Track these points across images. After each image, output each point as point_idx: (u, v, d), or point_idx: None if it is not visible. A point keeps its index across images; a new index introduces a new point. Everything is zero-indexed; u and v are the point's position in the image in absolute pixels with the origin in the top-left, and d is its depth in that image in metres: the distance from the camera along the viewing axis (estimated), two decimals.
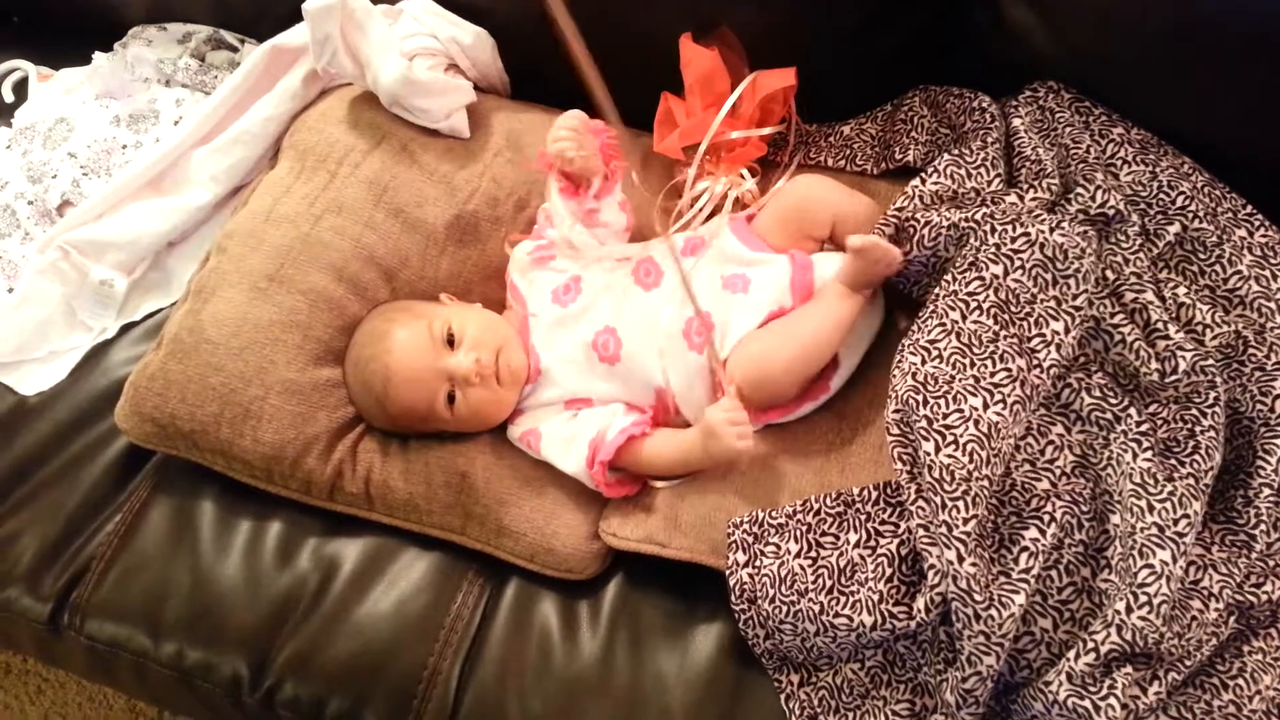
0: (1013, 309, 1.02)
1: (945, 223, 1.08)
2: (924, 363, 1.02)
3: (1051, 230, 1.03)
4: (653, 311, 1.13)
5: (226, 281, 1.18)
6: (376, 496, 1.14)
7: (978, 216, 1.07)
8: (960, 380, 0.99)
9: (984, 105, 1.20)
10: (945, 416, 0.97)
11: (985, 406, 0.97)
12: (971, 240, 1.06)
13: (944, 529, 0.93)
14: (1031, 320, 1.02)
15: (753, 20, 1.24)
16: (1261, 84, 1.09)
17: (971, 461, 0.95)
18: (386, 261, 1.21)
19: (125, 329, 1.30)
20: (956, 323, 1.03)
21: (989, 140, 1.16)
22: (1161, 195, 1.12)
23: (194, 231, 1.36)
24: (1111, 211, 1.09)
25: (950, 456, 0.95)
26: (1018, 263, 1.02)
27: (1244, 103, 1.12)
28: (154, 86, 1.45)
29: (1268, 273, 1.07)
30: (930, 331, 1.03)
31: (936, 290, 1.06)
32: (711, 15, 1.24)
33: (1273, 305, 1.06)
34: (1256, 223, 1.10)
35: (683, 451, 1.09)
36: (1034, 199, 1.10)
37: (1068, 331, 1.01)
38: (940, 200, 1.12)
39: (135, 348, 1.28)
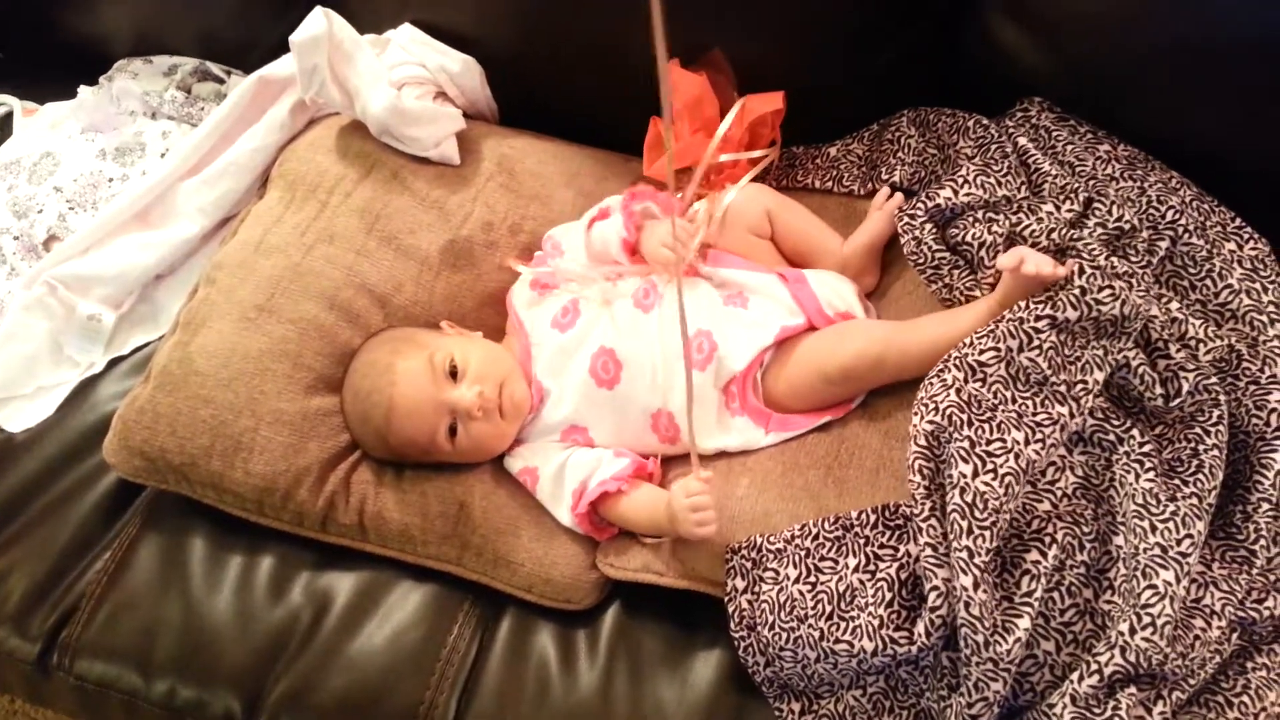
0: (1066, 351, 1.01)
1: (999, 238, 1.09)
2: (968, 380, 1.01)
3: (1130, 289, 1.02)
4: (651, 333, 1.12)
5: (216, 312, 1.18)
6: (370, 527, 1.13)
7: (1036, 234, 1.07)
8: (1004, 410, 0.99)
9: (983, 123, 1.20)
10: (989, 443, 0.97)
11: (1026, 443, 0.97)
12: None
13: (965, 554, 0.92)
14: (1079, 366, 1.01)
15: (745, 44, 1.25)
16: (1250, 97, 1.10)
17: (1006, 494, 0.94)
18: (380, 289, 1.20)
19: (113, 363, 1.29)
20: (1011, 351, 1.01)
21: (1006, 153, 1.16)
22: (1151, 210, 1.12)
23: (182, 264, 1.35)
24: (1126, 225, 1.09)
25: (986, 484, 0.94)
26: (1095, 312, 1.00)
27: (1233, 115, 1.12)
28: (140, 119, 1.45)
29: (1258, 285, 1.07)
30: (982, 352, 1.02)
31: (1006, 312, 1.03)
32: (703, 40, 1.24)
33: (1264, 318, 1.05)
34: (1245, 235, 1.10)
35: (653, 521, 1.08)
36: (1069, 210, 1.09)
37: (1102, 380, 1.01)
38: (974, 209, 1.13)
39: (123, 382, 1.27)
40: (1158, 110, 1.17)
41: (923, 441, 0.99)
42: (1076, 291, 1.01)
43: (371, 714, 1.07)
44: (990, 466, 0.95)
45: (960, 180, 1.14)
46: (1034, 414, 0.99)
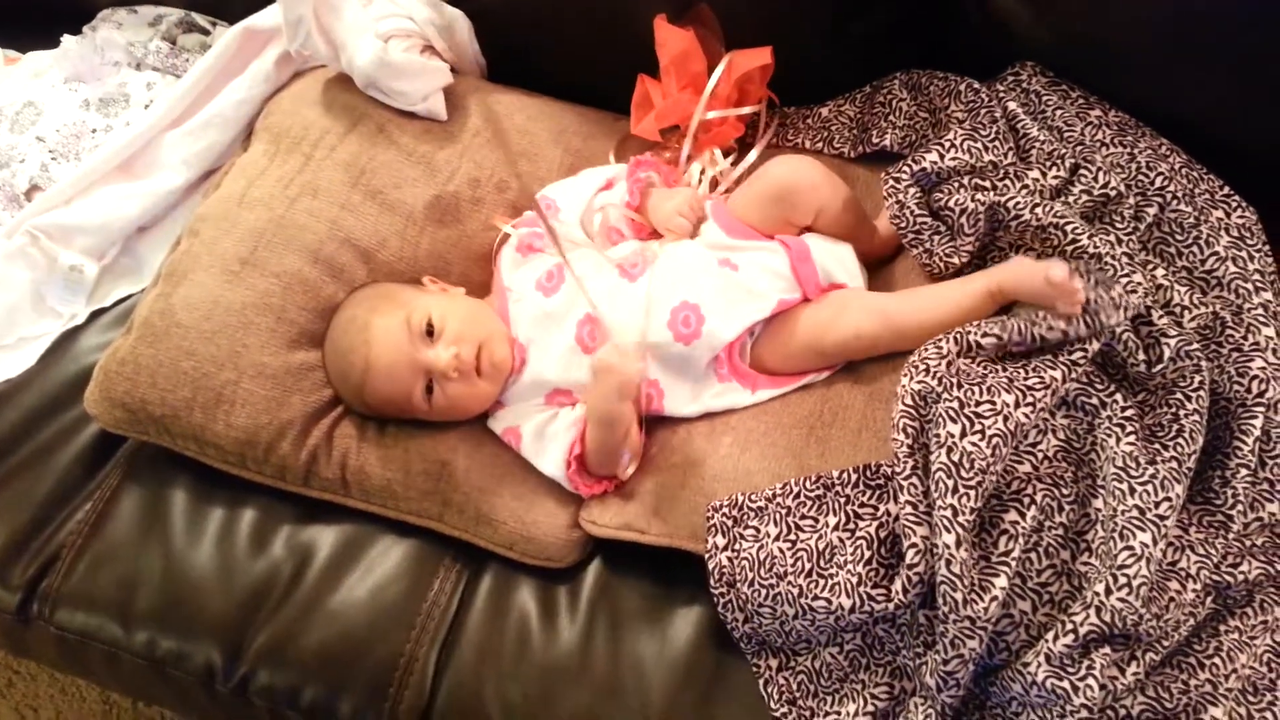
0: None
1: (981, 207, 1.08)
2: (961, 355, 1.01)
3: (1132, 292, 1.01)
4: (637, 302, 1.11)
5: (198, 265, 1.17)
6: (352, 482, 1.13)
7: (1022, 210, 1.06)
8: (995, 376, 0.99)
9: (975, 87, 1.19)
10: (977, 404, 0.97)
11: (1017, 405, 0.97)
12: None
13: (949, 513, 0.92)
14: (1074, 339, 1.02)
15: (733, 3, 1.23)
16: (1242, 65, 1.10)
17: (994, 454, 0.94)
18: (364, 243, 1.20)
19: (95, 315, 1.28)
20: (1013, 344, 1.02)
21: (995, 117, 1.15)
22: (1140, 177, 1.12)
23: (165, 216, 1.34)
24: (1113, 192, 1.09)
25: (974, 445, 0.94)
26: (1100, 325, 1.00)
27: (1223, 84, 1.12)
28: (124, 70, 1.43)
29: (1244, 253, 1.07)
30: (984, 335, 1.01)
31: (1020, 310, 1.04)
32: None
33: (1249, 286, 1.06)
34: (1234, 204, 1.10)
35: (597, 421, 1.07)
36: (1055, 177, 1.09)
37: (1098, 347, 1.01)
38: (960, 174, 1.12)
39: (106, 334, 1.26)
40: (1148, 78, 1.16)
41: (910, 400, 0.99)
42: (1089, 317, 0.99)
43: (352, 666, 1.07)
44: (979, 427, 0.95)
45: (947, 144, 1.13)
46: (1025, 379, 0.99)
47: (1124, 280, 1.01)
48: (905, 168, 1.14)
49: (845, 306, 1.10)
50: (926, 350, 1.02)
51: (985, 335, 1.01)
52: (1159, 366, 1.00)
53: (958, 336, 1.02)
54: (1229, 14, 1.07)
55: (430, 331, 1.10)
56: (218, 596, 1.10)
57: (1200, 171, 1.12)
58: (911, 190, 1.13)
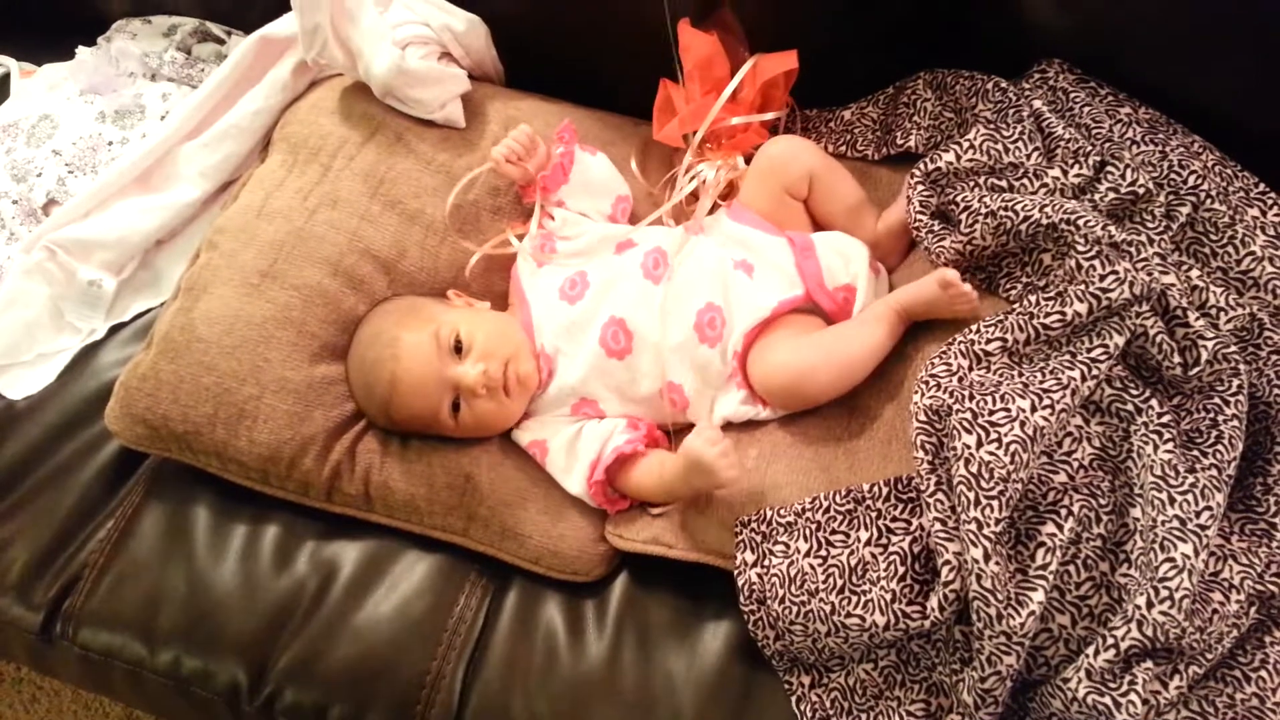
0: (1076, 330, 1.00)
1: (984, 210, 1.06)
2: (972, 368, 0.99)
3: (1149, 274, 0.99)
4: (663, 305, 1.10)
5: (218, 278, 1.16)
6: (376, 497, 1.11)
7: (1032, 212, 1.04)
8: (1009, 384, 0.97)
9: (1002, 86, 1.17)
10: (991, 413, 0.95)
11: (1033, 409, 0.95)
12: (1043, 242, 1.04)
13: (974, 526, 0.90)
14: (1094, 334, 1.00)
15: (748, 3, 1.21)
16: (1273, 56, 1.07)
17: (1013, 462, 0.92)
18: (384, 254, 1.19)
19: (114, 330, 1.28)
20: (1018, 343, 1.00)
21: (1022, 117, 1.13)
22: (1172, 175, 1.09)
23: (183, 229, 1.33)
24: (1141, 190, 1.06)
25: (991, 454, 0.93)
26: (1105, 301, 0.98)
27: (1258, 76, 1.09)
28: (139, 81, 1.43)
29: None
30: (989, 341, 1.00)
31: (1016, 305, 1.03)
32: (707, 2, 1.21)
33: None
34: (1269, 201, 1.07)
35: (665, 482, 1.06)
36: (1077, 175, 1.07)
37: (1122, 344, 0.99)
38: (976, 174, 1.10)
39: (125, 349, 1.25)
40: (1174, 69, 1.13)
41: (923, 417, 0.97)
42: (1080, 288, 0.99)
43: (378, 684, 1.06)
44: (994, 436, 0.93)
45: (965, 145, 1.11)
46: (1041, 382, 0.97)
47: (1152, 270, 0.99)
48: (921, 165, 1.12)
49: (776, 346, 1.09)
50: (935, 365, 1.01)
51: (989, 340, 1.00)
52: (1195, 369, 0.98)
53: (963, 348, 1.01)
54: (1254, 3, 1.05)
55: (459, 348, 1.09)
56: (242, 614, 1.09)
57: (1234, 169, 1.09)
58: (921, 187, 1.11)
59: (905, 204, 1.13)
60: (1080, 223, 1.01)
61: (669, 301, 1.11)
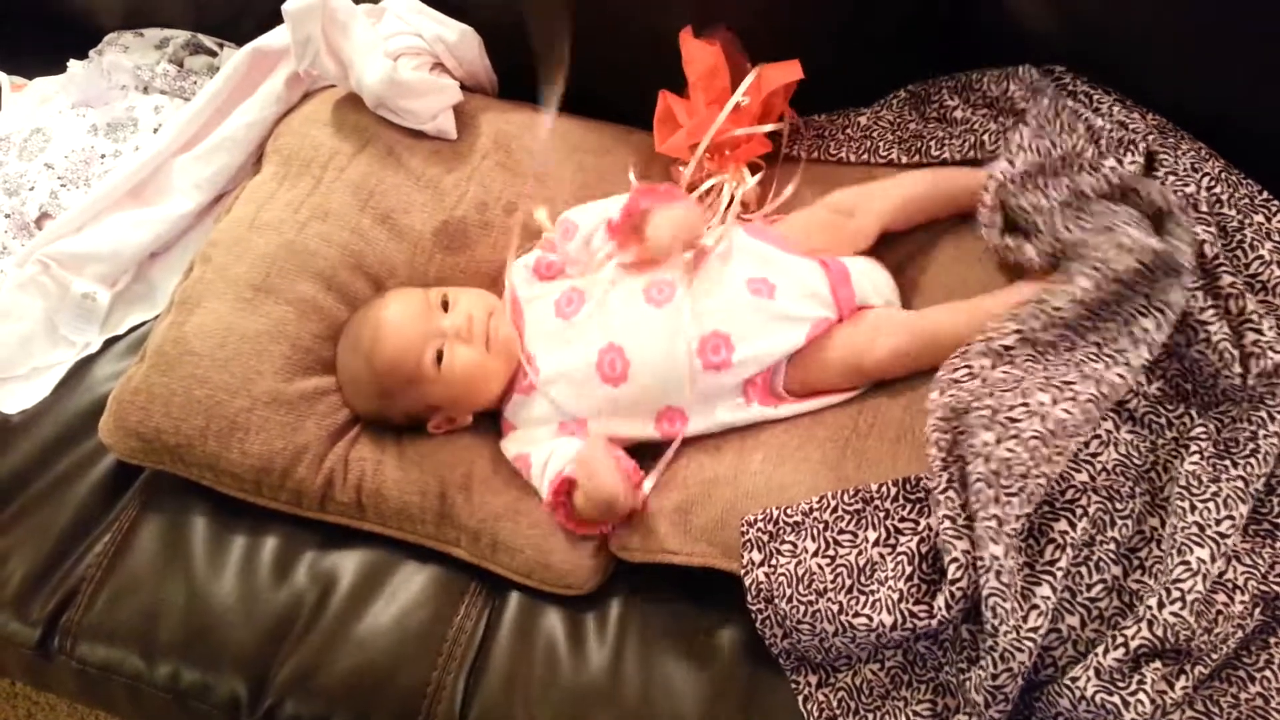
0: (1100, 314, 1.00)
1: (1055, 202, 1.06)
2: (994, 367, 0.99)
3: (1146, 235, 1.00)
4: (662, 329, 1.09)
5: (211, 292, 1.16)
6: (368, 505, 1.11)
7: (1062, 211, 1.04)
8: (1030, 379, 0.97)
9: (1034, 74, 1.16)
10: (1010, 409, 0.95)
11: (1054, 402, 0.95)
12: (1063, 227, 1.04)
13: (993, 523, 0.90)
14: (1120, 320, 1.00)
15: (745, 12, 1.22)
16: (1273, 61, 1.07)
17: (1033, 459, 0.92)
18: (374, 270, 1.20)
19: (109, 343, 1.27)
20: (1036, 331, 1.00)
21: (1060, 103, 1.13)
22: None
23: (177, 241, 1.33)
24: (1193, 186, 1.07)
25: (1011, 450, 0.93)
26: (1110, 274, 0.98)
27: (1254, 80, 1.10)
28: (132, 94, 1.43)
29: None
30: (1007, 337, 1.00)
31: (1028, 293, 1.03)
32: (706, 8, 1.21)
33: None
34: (1274, 208, 1.08)
35: (586, 507, 1.05)
36: (1132, 163, 1.07)
37: (1159, 328, 0.99)
38: (1031, 175, 1.09)
39: (120, 362, 1.25)
40: (1173, 75, 1.14)
41: (940, 414, 0.97)
42: (1090, 266, 0.99)
43: (379, 695, 1.05)
44: (1014, 432, 0.93)
45: (1015, 148, 1.10)
46: (1065, 375, 0.97)
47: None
48: (985, 192, 1.10)
49: (879, 327, 1.09)
50: (955, 364, 1.01)
51: (1008, 334, 1.00)
52: (1254, 379, 0.98)
53: (982, 348, 1.00)
54: (1254, 7, 1.05)
55: (445, 305, 1.12)
56: (241, 627, 1.08)
57: (1238, 175, 1.10)
58: (985, 212, 1.10)
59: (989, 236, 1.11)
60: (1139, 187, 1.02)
61: (671, 328, 1.08)
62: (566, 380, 1.11)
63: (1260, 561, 0.94)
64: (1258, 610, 0.93)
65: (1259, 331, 0.99)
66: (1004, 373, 0.98)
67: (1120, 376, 0.98)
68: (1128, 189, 1.05)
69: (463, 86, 1.29)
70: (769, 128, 1.22)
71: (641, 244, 1.11)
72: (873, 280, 1.13)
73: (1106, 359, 0.98)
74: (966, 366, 1.00)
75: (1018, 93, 1.16)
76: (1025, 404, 0.95)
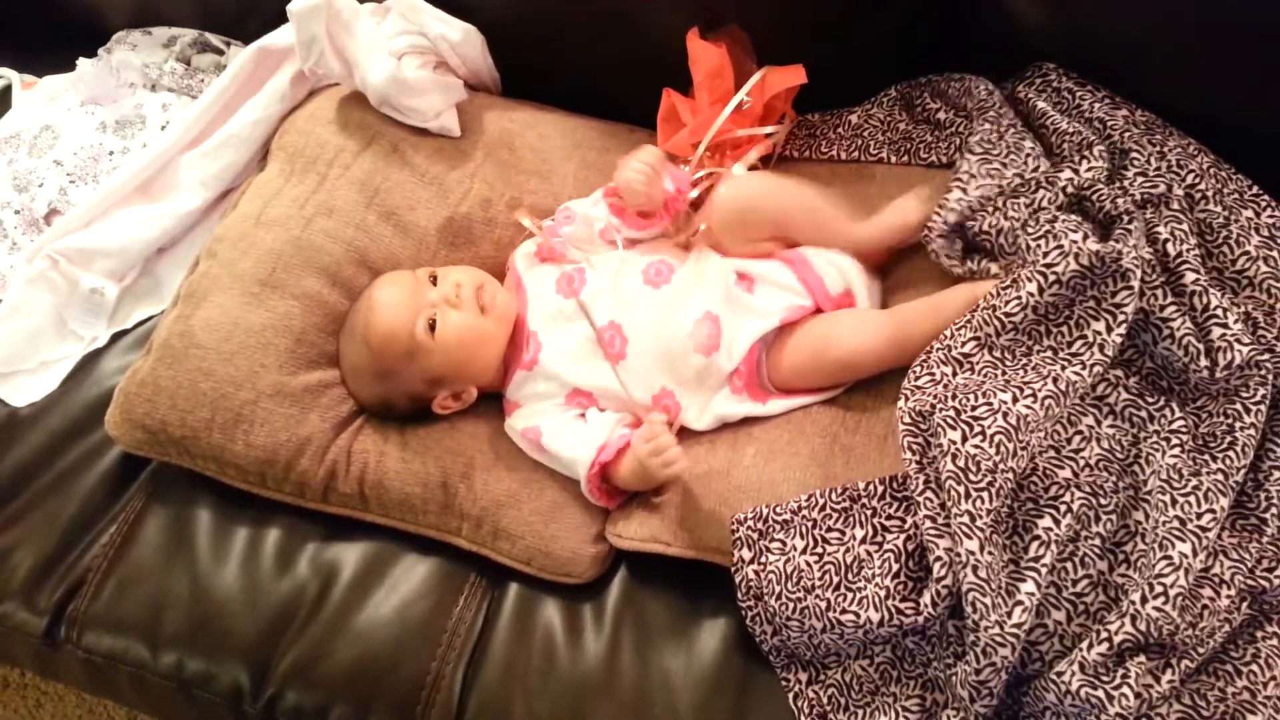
0: (1050, 319, 1.02)
1: (1016, 222, 1.06)
2: (955, 374, 1.01)
3: (1085, 239, 1.01)
4: (660, 311, 1.12)
5: (218, 286, 1.17)
6: (371, 496, 1.13)
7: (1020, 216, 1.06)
8: (990, 382, 0.99)
9: (986, 88, 1.18)
10: (974, 409, 0.96)
11: (1015, 400, 0.96)
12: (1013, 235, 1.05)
13: (965, 519, 0.91)
14: (1071, 324, 1.01)
15: (742, 13, 1.22)
16: (1267, 60, 1.07)
17: (998, 453, 0.94)
18: (379, 265, 1.21)
19: (116, 337, 1.29)
20: (991, 337, 1.02)
21: (1003, 123, 1.14)
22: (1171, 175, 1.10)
23: (184, 237, 1.34)
24: (1163, 186, 1.07)
25: (976, 447, 0.94)
26: (1052, 277, 1.00)
27: (1248, 80, 1.10)
28: (140, 91, 1.44)
29: (1275, 253, 1.05)
30: (965, 344, 1.02)
31: (980, 301, 1.04)
32: (707, 7, 1.22)
33: None
34: (1263, 203, 1.08)
35: (636, 474, 1.08)
36: (1089, 170, 1.08)
37: (1110, 330, 1.00)
38: (989, 199, 1.09)
39: (127, 356, 1.26)
40: (1168, 73, 1.14)
41: (908, 420, 0.99)
42: (1030, 267, 1.00)
43: (379, 685, 1.07)
44: (978, 429, 0.95)
45: (965, 176, 1.10)
46: (1023, 377, 0.98)
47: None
48: (935, 220, 1.09)
49: (840, 321, 1.10)
50: (917, 372, 1.02)
51: (965, 342, 1.02)
52: (1224, 372, 0.98)
53: (942, 355, 1.02)
54: (1250, 5, 1.05)
55: (434, 280, 1.15)
56: (244, 617, 1.10)
57: (1228, 171, 1.10)
58: (942, 241, 1.10)
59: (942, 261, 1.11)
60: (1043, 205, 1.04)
61: (667, 308, 1.12)
62: (567, 355, 1.13)
63: (1246, 556, 0.95)
64: (1244, 604, 0.94)
65: (1224, 325, 0.99)
66: (964, 379, 1.00)
67: (1077, 374, 0.98)
68: (1082, 197, 1.06)
69: (466, 85, 1.30)
70: (770, 129, 1.23)
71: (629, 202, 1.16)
72: (835, 264, 1.13)
73: (1063, 361, 0.99)
74: (929, 374, 1.02)
75: (976, 112, 1.16)
76: (988, 403, 0.96)
